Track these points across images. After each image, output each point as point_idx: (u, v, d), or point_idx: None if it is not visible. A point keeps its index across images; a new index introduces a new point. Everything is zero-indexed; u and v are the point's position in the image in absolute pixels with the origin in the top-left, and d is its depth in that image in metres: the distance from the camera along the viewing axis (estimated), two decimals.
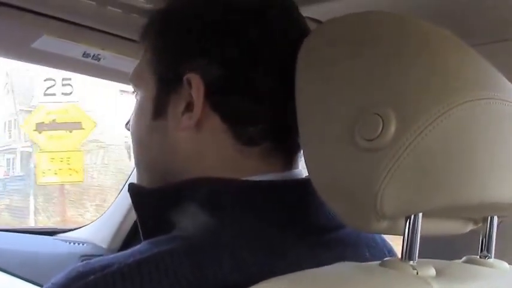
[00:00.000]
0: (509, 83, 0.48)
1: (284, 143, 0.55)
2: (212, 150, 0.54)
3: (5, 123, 7.93)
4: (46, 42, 0.78)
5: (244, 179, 0.53)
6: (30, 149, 6.13)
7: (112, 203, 1.56)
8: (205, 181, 0.52)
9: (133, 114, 0.59)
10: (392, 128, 0.42)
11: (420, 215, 0.44)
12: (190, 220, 0.51)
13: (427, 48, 0.46)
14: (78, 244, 1.51)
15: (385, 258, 0.46)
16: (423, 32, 0.47)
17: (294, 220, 0.53)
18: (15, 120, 7.53)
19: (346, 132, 0.45)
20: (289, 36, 0.54)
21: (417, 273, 0.43)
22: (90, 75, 1.01)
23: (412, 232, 0.44)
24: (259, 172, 0.53)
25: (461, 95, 0.42)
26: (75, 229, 1.59)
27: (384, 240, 0.61)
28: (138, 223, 0.58)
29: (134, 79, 0.60)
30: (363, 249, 0.57)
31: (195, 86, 0.52)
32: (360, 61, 0.47)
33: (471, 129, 0.42)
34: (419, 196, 0.43)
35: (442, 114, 0.41)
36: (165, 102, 0.55)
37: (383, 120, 0.42)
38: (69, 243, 1.51)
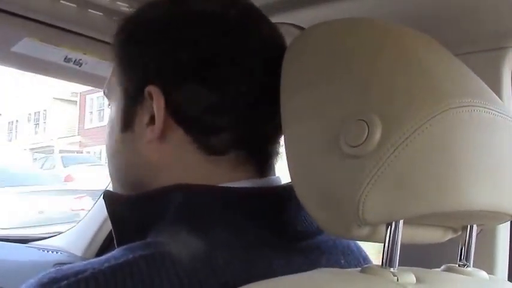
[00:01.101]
0: (491, 92, 0.49)
1: (255, 151, 0.55)
2: (179, 161, 0.54)
3: None
4: (27, 45, 0.77)
5: (216, 185, 0.53)
6: None
7: (88, 211, 1.54)
8: (179, 188, 0.52)
9: (107, 127, 0.60)
10: (377, 134, 0.42)
11: (401, 222, 0.44)
12: (165, 227, 0.50)
13: (410, 55, 0.46)
14: (52, 252, 1.47)
15: (365, 265, 0.46)
16: (406, 38, 0.48)
17: (269, 227, 0.52)
18: None
19: (331, 138, 0.45)
20: (250, 45, 0.54)
21: (397, 280, 0.43)
22: (71, 81, 0.99)
23: (393, 239, 0.44)
24: (231, 180, 0.53)
25: (444, 102, 0.42)
26: (49, 237, 1.56)
27: (359, 248, 0.61)
28: (113, 229, 0.57)
29: (107, 92, 0.60)
30: (338, 256, 0.57)
31: (156, 99, 0.52)
32: (343, 68, 0.47)
33: (453, 137, 0.43)
34: (401, 203, 0.43)
35: (426, 121, 0.42)
36: (132, 114, 0.55)
37: (368, 126, 0.43)
38: (43, 251, 1.47)
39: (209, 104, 0.52)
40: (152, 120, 0.53)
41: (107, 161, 0.61)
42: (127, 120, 0.56)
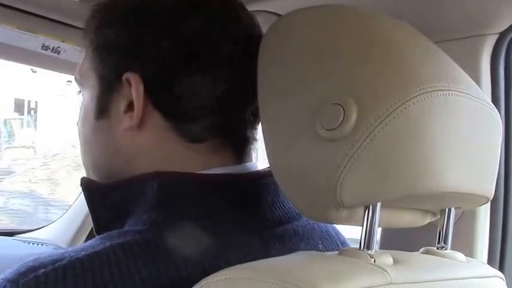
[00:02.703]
0: (468, 77, 0.49)
1: (232, 137, 0.55)
2: (157, 148, 0.53)
3: None
4: (3, 33, 0.75)
5: (194, 172, 0.52)
6: None
7: (73, 203, 1.52)
8: (155, 175, 0.52)
9: (80, 114, 0.58)
10: (353, 117, 0.42)
11: (379, 204, 0.44)
12: (142, 215, 0.50)
13: (386, 40, 0.46)
14: (38, 244, 1.46)
15: (343, 248, 0.46)
16: (382, 24, 0.48)
17: (247, 213, 0.52)
18: None
19: (307, 122, 0.45)
20: (229, 33, 0.54)
21: (374, 262, 0.43)
22: (50, 69, 0.98)
23: (371, 222, 0.45)
24: (208, 166, 0.53)
25: (420, 86, 0.42)
26: (35, 230, 1.55)
27: (337, 233, 0.62)
28: (91, 217, 0.57)
29: (78, 78, 0.59)
30: (316, 241, 0.57)
31: (134, 85, 0.52)
32: (319, 54, 0.47)
33: (429, 120, 0.43)
34: (377, 185, 0.43)
35: (401, 105, 0.42)
36: (107, 102, 0.54)
37: (344, 110, 0.42)
38: (29, 243, 1.46)
39: (189, 90, 0.52)
40: (129, 107, 0.53)
41: (80, 150, 0.60)
42: (102, 108, 0.55)
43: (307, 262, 0.44)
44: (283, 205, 0.55)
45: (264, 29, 0.56)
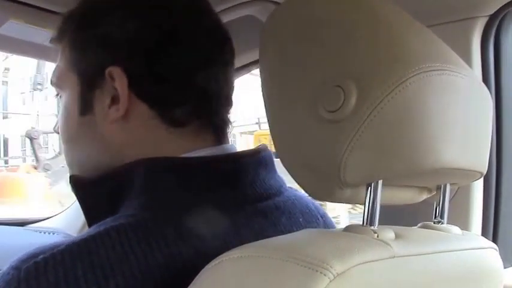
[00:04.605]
0: (459, 58, 0.49)
1: (211, 119, 0.56)
2: (144, 136, 0.54)
3: None
4: (12, 27, 0.75)
5: (177, 156, 0.53)
6: None
7: None
8: (140, 163, 0.53)
9: (60, 115, 0.58)
10: (353, 99, 0.42)
11: (380, 182, 0.45)
12: (132, 202, 0.51)
13: (382, 24, 0.46)
14: (49, 233, 1.47)
15: (348, 224, 0.47)
16: (378, 9, 0.48)
17: (229, 190, 0.53)
18: None
19: (310, 105, 0.45)
20: (202, 24, 0.56)
21: (378, 236, 0.44)
22: (56, 62, 0.97)
23: (373, 199, 0.45)
24: (191, 149, 0.54)
25: (416, 66, 0.43)
26: (45, 219, 1.55)
27: (317, 207, 0.63)
28: (83, 213, 0.58)
29: (56, 81, 0.59)
30: (297, 215, 0.58)
31: (118, 79, 0.52)
32: (318, 39, 0.47)
33: (426, 99, 0.43)
34: (379, 164, 0.43)
35: (398, 85, 0.42)
36: (90, 98, 0.55)
37: (344, 92, 0.43)
38: (40, 232, 1.47)
39: (171, 78, 0.53)
40: (113, 100, 0.53)
41: (63, 150, 0.59)
42: (86, 105, 0.55)
43: (314, 239, 0.45)
44: (264, 182, 0.56)
45: (263, 17, 0.57)
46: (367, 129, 0.42)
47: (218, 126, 0.57)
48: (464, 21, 0.75)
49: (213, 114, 0.56)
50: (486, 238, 0.57)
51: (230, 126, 0.59)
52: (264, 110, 0.51)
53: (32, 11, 0.74)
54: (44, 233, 1.48)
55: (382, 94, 0.42)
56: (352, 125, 0.43)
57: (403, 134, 0.43)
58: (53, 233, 1.48)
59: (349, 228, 0.46)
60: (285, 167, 0.48)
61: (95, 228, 0.47)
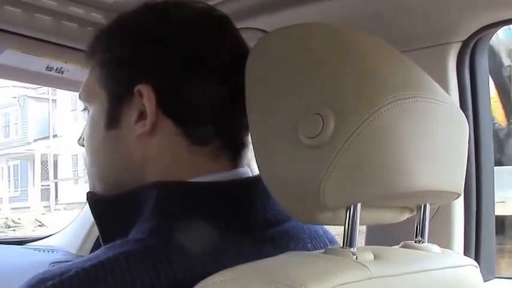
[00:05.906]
0: (434, 83, 0.50)
1: (231, 141, 0.56)
2: (167, 153, 0.54)
3: None
4: (9, 57, 0.76)
5: (192, 180, 0.53)
6: None
7: (81, 209, 1.52)
8: (154, 186, 0.53)
9: (87, 128, 0.59)
10: (331, 126, 0.43)
11: (359, 205, 0.45)
12: (143, 225, 0.51)
13: (358, 54, 0.47)
14: (48, 252, 1.46)
15: (328, 247, 0.47)
16: (354, 39, 0.49)
17: (240, 217, 0.53)
18: None
19: (290, 131, 0.46)
20: (226, 45, 0.56)
21: (356, 258, 0.44)
22: (54, 87, 0.98)
23: (352, 221, 0.45)
24: (209, 171, 0.54)
25: (390, 94, 0.44)
26: (45, 237, 1.54)
27: (325, 232, 0.62)
28: (98, 229, 0.58)
29: (85, 95, 0.59)
30: (305, 241, 0.58)
31: (147, 96, 0.53)
32: (299, 68, 0.48)
33: (400, 125, 0.44)
34: (357, 188, 0.44)
35: (373, 113, 0.43)
36: (117, 113, 0.55)
37: (323, 119, 0.44)
38: (39, 251, 1.46)
39: (196, 96, 0.54)
40: (140, 116, 0.54)
41: (86, 163, 0.60)
42: (113, 119, 0.56)
43: (295, 262, 0.45)
44: (274, 208, 0.56)
45: (252, 44, 0.58)
46: (344, 154, 0.43)
47: (236, 148, 0.57)
48: (439, 46, 0.76)
49: (233, 135, 0.57)
50: (468, 255, 0.58)
51: (247, 149, 0.59)
52: (250, 133, 0.52)
53: (27, 41, 0.74)
54: (44, 251, 1.46)
55: (358, 121, 0.43)
56: (330, 150, 0.43)
57: (379, 159, 0.44)
58: (52, 251, 1.46)
59: (329, 251, 0.46)
60: (268, 189, 0.49)
61: (104, 253, 0.47)
